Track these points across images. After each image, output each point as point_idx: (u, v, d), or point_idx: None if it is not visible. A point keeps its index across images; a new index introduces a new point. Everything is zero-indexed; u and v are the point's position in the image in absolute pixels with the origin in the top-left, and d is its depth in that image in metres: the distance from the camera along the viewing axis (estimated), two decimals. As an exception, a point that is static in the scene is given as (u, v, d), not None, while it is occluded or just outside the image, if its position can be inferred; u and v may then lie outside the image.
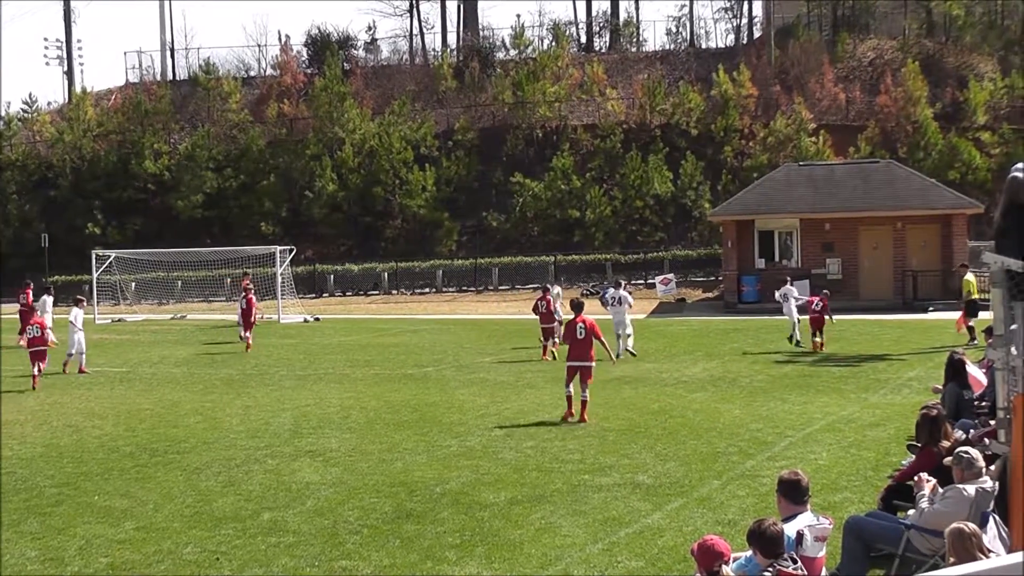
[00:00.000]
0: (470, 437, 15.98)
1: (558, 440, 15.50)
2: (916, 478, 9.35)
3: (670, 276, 49.15)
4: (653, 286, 49.75)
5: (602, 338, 17.61)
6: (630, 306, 27.99)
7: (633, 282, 52.73)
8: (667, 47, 77.06)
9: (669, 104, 62.60)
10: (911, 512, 9.06)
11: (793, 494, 7.78)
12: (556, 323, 27.38)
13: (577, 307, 18.00)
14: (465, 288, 55.96)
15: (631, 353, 26.85)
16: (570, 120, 64.59)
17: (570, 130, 63.51)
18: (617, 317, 27.40)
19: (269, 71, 77.65)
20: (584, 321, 17.52)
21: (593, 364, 17.48)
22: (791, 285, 30.36)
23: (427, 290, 56.28)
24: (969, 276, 29.94)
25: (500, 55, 73.53)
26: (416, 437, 16.09)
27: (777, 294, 30.57)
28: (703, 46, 77.40)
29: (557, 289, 31.54)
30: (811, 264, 44.10)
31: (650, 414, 17.64)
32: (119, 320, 47.90)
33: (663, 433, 15.88)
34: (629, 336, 27.39)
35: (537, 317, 28.17)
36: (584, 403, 17.15)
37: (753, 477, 12.86)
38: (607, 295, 44.63)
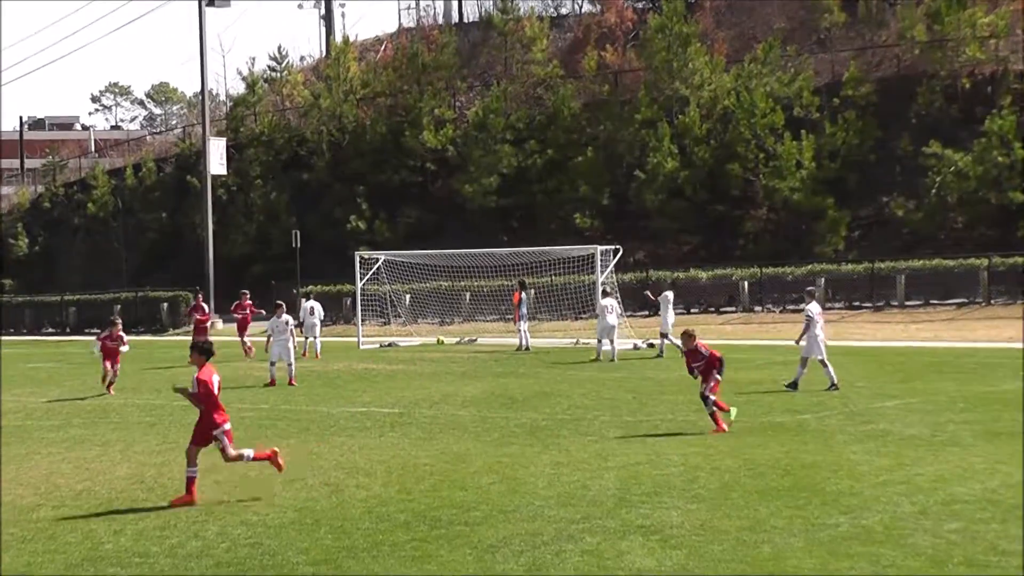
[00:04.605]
0: (866, 513, 15.66)
1: (996, 522, 14.93)
2: None
3: None
4: None
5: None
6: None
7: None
8: None
9: None
10: None
11: None
12: None
13: (690, 337, 23.48)
14: (857, 304, 55.04)
15: None
16: (1012, 63, 62.45)
17: (1012, 78, 61.41)
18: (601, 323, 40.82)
19: (586, 7, 79.17)
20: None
21: None
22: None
23: (803, 305, 55.56)
24: None
25: (909, -26, 72.06)
26: (789, 511, 15.91)
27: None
28: None
29: None
30: None
31: None
32: (390, 345, 49.81)
33: None
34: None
35: None
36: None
37: None
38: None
